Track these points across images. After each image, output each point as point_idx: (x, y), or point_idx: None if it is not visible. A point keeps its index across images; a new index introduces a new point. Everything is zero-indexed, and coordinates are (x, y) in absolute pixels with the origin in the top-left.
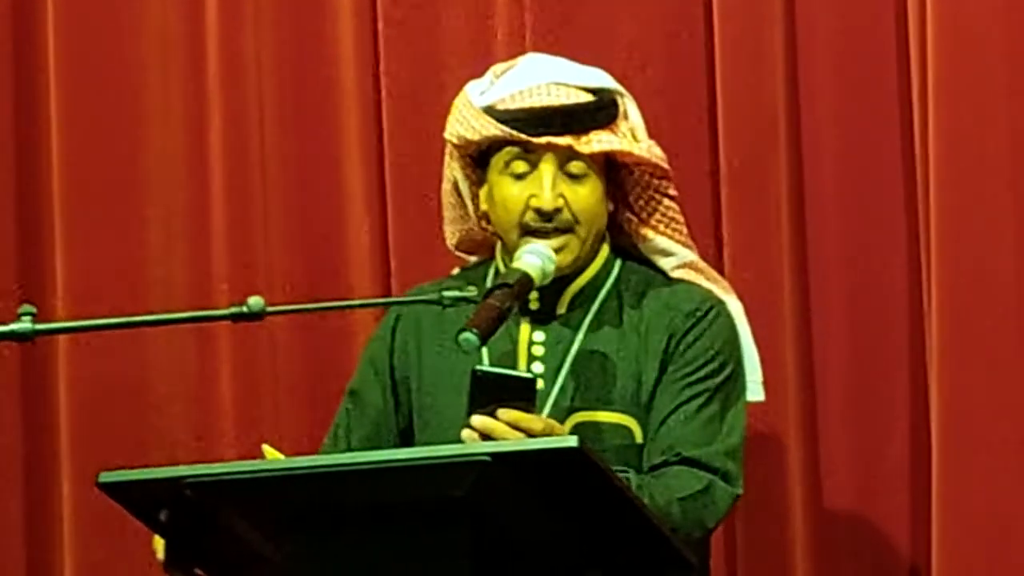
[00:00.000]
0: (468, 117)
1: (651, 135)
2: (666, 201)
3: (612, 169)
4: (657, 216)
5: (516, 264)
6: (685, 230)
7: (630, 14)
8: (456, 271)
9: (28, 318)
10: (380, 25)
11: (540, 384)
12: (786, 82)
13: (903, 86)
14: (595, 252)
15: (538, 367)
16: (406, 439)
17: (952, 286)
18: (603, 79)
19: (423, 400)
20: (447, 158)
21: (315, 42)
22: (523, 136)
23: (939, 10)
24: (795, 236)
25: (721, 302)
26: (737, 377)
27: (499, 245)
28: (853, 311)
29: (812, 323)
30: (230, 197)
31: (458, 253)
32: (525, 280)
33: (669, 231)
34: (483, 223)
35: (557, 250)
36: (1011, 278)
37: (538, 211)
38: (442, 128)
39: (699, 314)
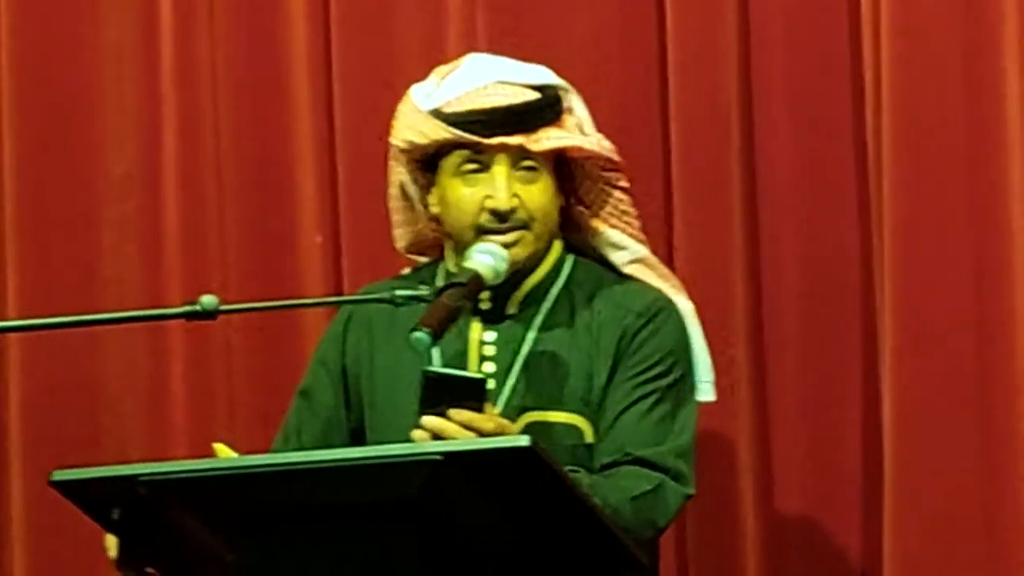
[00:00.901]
0: (416, 122)
1: (604, 135)
2: (617, 193)
3: (561, 163)
4: (608, 208)
5: (468, 263)
6: (637, 223)
7: (583, 13)
8: (406, 271)
9: None
10: (333, 27)
11: (491, 384)
12: (739, 82)
13: (857, 85)
14: (548, 248)
15: (489, 367)
16: (357, 439)
17: (905, 285)
18: (546, 76)
19: (374, 399)
20: (392, 163)
21: (268, 45)
22: (475, 138)
23: (892, 6)
24: (748, 237)
25: (672, 303)
26: (688, 377)
27: (448, 245)
28: (806, 311)
29: (764, 324)
30: (184, 199)
31: (408, 256)
32: (477, 279)
33: (621, 224)
34: (433, 224)
35: (512, 243)
36: (965, 278)
37: (493, 212)
38: None
39: (650, 314)
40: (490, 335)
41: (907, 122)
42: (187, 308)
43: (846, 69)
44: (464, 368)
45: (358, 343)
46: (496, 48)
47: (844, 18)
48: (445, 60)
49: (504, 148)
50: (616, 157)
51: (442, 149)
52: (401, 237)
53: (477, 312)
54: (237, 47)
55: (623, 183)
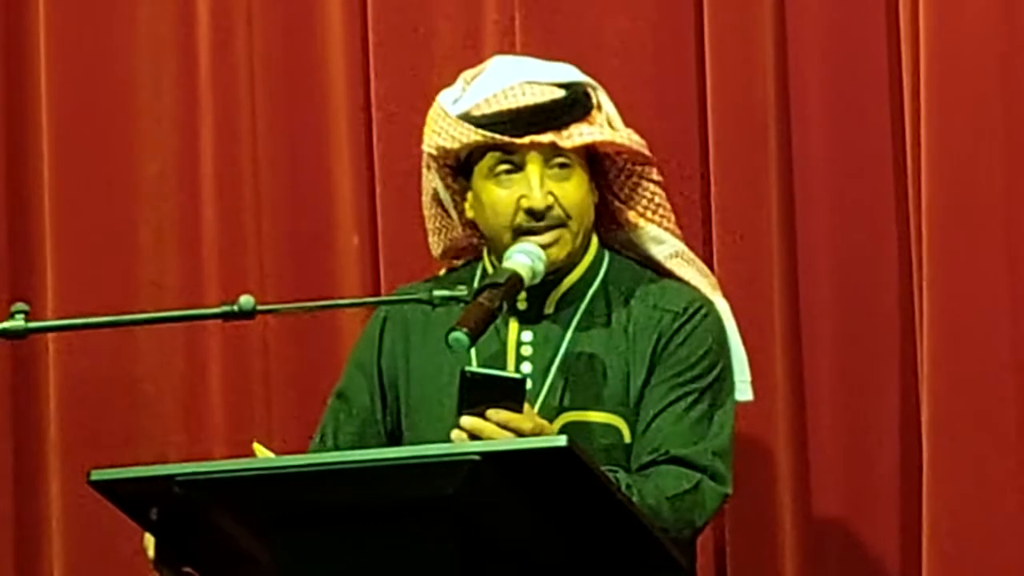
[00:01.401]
0: (445, 127)
1: (639, 132)
2: (651, 187)
3: (595, 160)
4: (643, 203)
5: (506, 264)
6: (672, 217)
7: (621, 13)
8: (443, 272)
9: (21, 316)
10: (370, 28)
11: (529, 384)
12: (776, 80)
13: (895, 85)
14: (585, 247)
15: (526, 367)
16: (394, 441)
17: (943, 290)
18: (572, 73)
19: (411, 401)
20: (424, 170)
21: (305, 46)
22: (505, 138)
23: (931, 8)
24: (785, 237)
25: (709, 302)
26: (725, 377)
27: (485, 248)
28: (843, 314)
29: (801, 326)
30: (221, 200)
31: (445, 262)
32: (515, 279)
33: (656, 218)
34: (468, 230)
35: (551, 244)
36: (1002, 283)
37: (529, 211)
38: None
39: (688, 315)
40: (527, 335)
41: (944, 123)
42: (225, 308)
43: (883, 68)
44: (502, 368)
45: (394, 344)
46: (533, 49)
47: (882, 16)
48: (482, 61)
49: (535, 146)
50: (647, 151)
51: (473, 153)
52: (436, 244)
53: (514, 312)
54: (274, 49)
55: (656, 176)
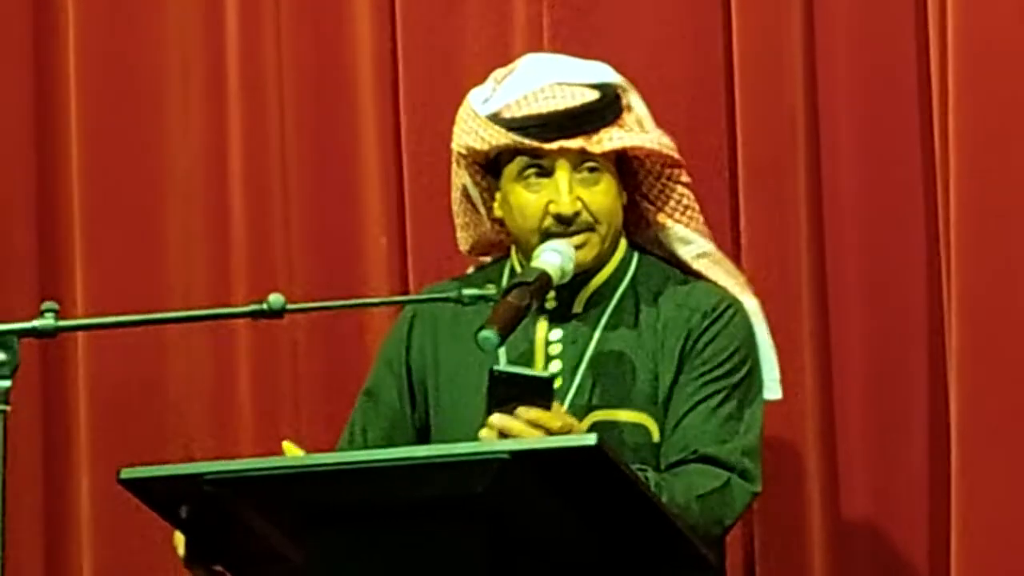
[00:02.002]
0: (475, 127)
1: (669, 133)
2: (679, 188)
3: (624, 162)
4: (672, 203)
5: (535, 262)
6: (701, 218)
7: (649, 14)
8: (471, 270)
9: (51, 314)
10: (398, 28)
11: (557, 383)
12: (805, 80)
13: (923, 84)
14: (614, 248)
15: (555, 366)
16: (423, 438)
17: (972, 287)
18: (605, 73)
19: (440, 399)
20: (454, 166)
21: (334, 45)
22: (535, 143)
23: (959, 6)
24: (813, 236)
25: (738, 301)
26: (754, 375)
27: (514, 246)
28: (872, 312)
29: (830, 325)
30: (249, 200)
31: (472, 257)
32: (544, 278)
33: (685, 219)
34: (496, 226)
35: (579, 246)
36: None
37: (558, 217)
38: None
39: (716, 313)
40: (556, 334)
41: (974, 124)
42: (254, 307)
43: (912, 70)
44: (530, 367)
45: (423, 343)
46: (561, 49)
47: (911, 17)
48: (511, 59)
49: (565, 152)
50: (676, 155)
51: (503, 154)
52: (465, 240)
53: (543, 311)
54: (303, 48)
55: (685, 178)
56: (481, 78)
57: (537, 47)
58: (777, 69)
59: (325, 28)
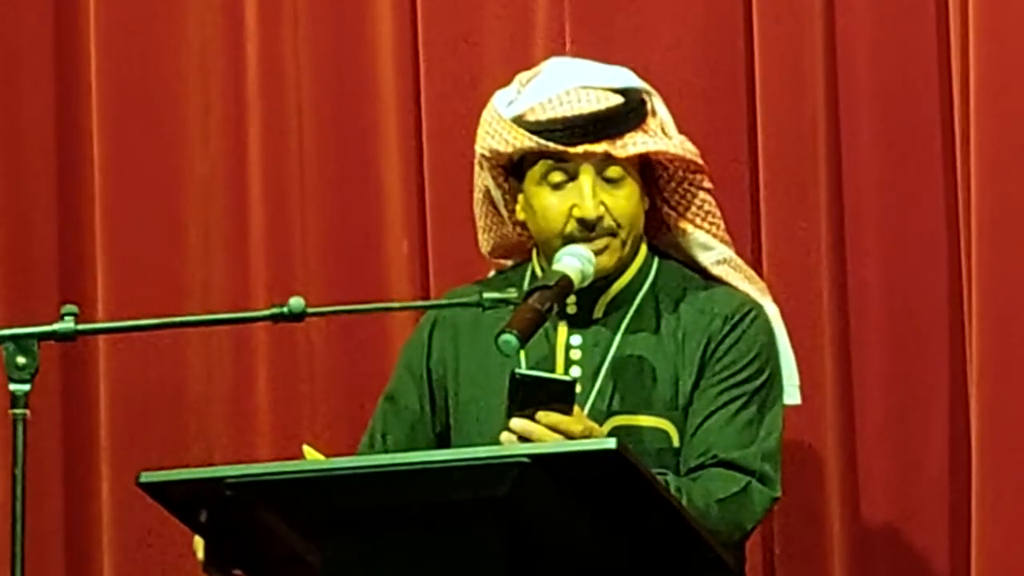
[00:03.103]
0: (500, 130)
1: (689, 139)
2: (701, 194)
3: (647, 167)
4: (693, 210)
5: (556, 266)
6: (722, 224)
7: (670, 21)
8: (492, 274)
9: (71, 318)
10: (420, 31)
11: (578, 388)
12: (826, 85)
13: (944, 90)
14: (635, 253)
15: (575, 371)
16: (443, 442)
17: (993, 294)
18: (628, 78)
19: (460, 403)
20: (477, 168)
21: (354, 47)
22: (559, 147)
23: (981, 14)
24: (834, 242)
25: (758, 305)
26: (774, 381)
27: (535, 249)
28: (892, 319)
29: (851, 330)
30: (269, 202)
31: (493, 260)
32: (564, 282)
33: (706, 225)
34: (518, 229)
35: (600, 251)
36: None
37: (581, 221)
38: None
39: (736, 318)
40: (576, 339)
41: (994, 130)
42: (274, 311)
43: (933, 75)
44: (550, 372)
45: (443, 347)
46: (582, 52)
47: (932, 22)
48: (532, 64)
49: (589, 156)
50: (699, 160)
51: (526, 157)
52: (486, 242)
53: (563, 316)
54: (322, 50)
55: (707, 184)
56: (502, 82)
57: (558, 50)
58: (798, 74)
59: (345, 31)
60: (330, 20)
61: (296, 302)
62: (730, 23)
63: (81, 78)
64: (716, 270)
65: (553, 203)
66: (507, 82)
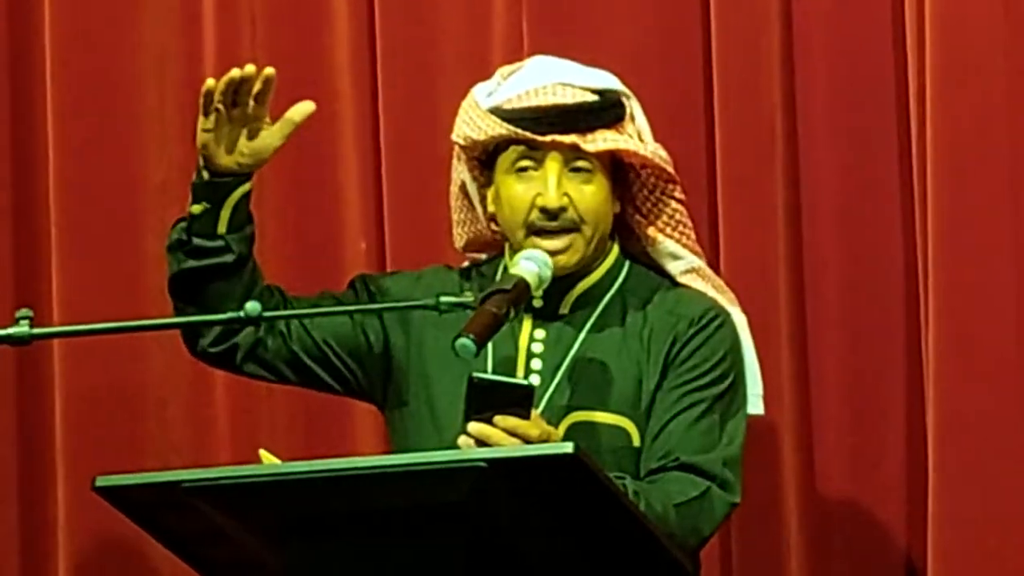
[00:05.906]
0: (474, 118)
1: None
2: (673, 204)
3: (619, 170)
4: (664, 219)
5: (513, 270)
6: (693, 235)
7: (626, 22)
8: (466, 265)
9: (25, 322)
10: (377, 31)
11: (537, 381)
12: (783, 89)
13: (900, 92)
14: (600, 252)
15: (536, 364)
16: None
17: (949, 295)
18: (609, 81)
19: (410, 398)
20: (454, 160)
21: (312, 49)
22: (528, 134)
23: (937, 15)
24: (791, 246)
25: (726, 312)
26: (738, 386)
27: (507, 244)
28: (849, 321)
29: (808, 333)
30: None
31: (467, 254)
32: (522, 286)
33: (676, 234)
34: (492, 225)
35: (562, 250)
36: (1009, 287)
37: (543, 209)
38: (440, 132)
39: (703, 321)
40: (540, 333)
41: (952, 129)
42: (231, 315)
43: (889, 73)
44: (512, 369)
45: (419, 335)
46: (539, 52)
47: (888, 21)
48: (489, 65)
49: (557, 146)
50: (671, 169)
51: (499, 146)
52: (460, 236)
53: (530, 309)
54: (280, 53)
55: (679, 194)
56: (460, 84)
57: (517, 54)
58: (755, 77)
59: (302, 32)
60: (288, 22)
61: (252, 306)
62: (688, 24)
63: (36, 81)
64: (684, 279)
65: (519, 191)
66: (465, 83)
